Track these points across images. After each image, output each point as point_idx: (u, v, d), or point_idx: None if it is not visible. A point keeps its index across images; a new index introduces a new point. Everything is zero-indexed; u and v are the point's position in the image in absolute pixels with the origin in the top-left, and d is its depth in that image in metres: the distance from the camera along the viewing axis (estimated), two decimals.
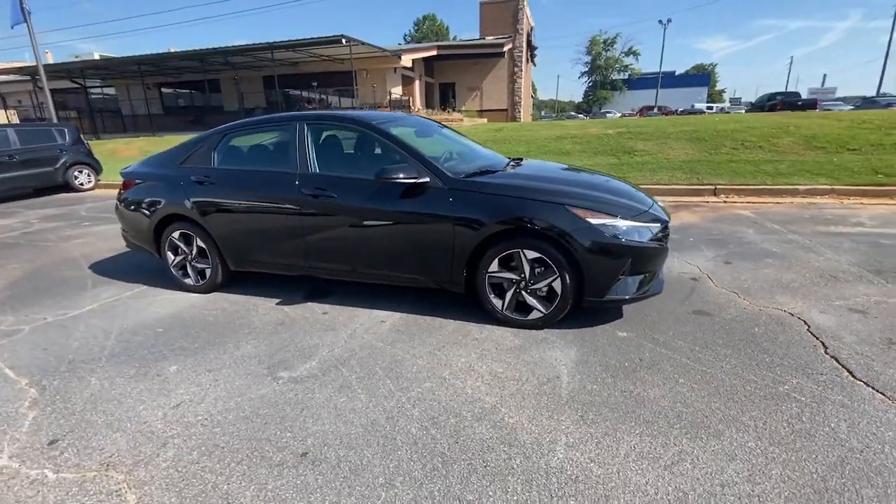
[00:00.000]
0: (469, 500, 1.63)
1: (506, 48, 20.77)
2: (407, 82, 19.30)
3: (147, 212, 3.72)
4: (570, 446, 1.88)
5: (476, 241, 2.81)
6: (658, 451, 1.83)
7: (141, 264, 4.57)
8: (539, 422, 2.04)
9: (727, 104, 50.15)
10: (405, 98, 18.67)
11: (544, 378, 2.37)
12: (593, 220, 2.64)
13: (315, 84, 19.39)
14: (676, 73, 66.61)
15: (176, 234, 3.69)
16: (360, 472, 1.79)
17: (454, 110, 21.76)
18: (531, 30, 21.98)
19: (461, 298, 3.26)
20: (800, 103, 24.16)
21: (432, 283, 3.10)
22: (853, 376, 2.27)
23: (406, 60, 18.22)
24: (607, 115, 43.70)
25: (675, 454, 1.81)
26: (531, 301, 2.83)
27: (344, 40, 15.04)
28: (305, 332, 3.01)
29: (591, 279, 2.67)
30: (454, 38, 47.59)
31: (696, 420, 2.00)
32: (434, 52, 19.41)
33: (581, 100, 65.87)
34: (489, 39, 21.09)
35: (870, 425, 1.92)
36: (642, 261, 2.72)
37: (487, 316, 3.02)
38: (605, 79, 55.80)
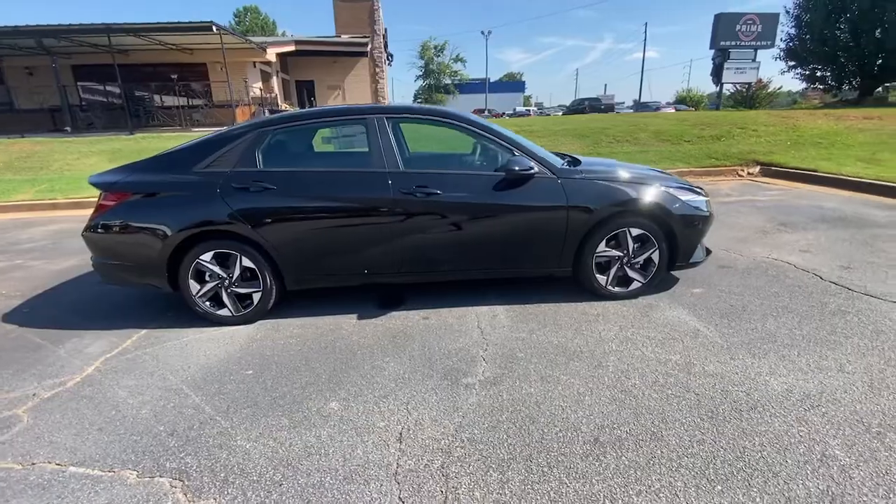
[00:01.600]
0: (719, 423, 1.91)
1: (368, 48, 20.55)
2: (264, 79, 17.48)
3: (160, 232, 2.86)
4: (764, 373, 2.30)
5: (588, 226, 3.04)
6: (797, 361, 2.38)
7: (94, 301, 3.47)
8: (725, 362, 2.42)
9: (534, 108, 58.48)
10: (270, 95, 16.86)
11: (690, 332, 2.76)
12: (684, 197, 3.14)
13: (155, 76, 15.91)
14: (491, 80, 75.13)
15: (207, 257, 2.93)
16: (662, 438, 1.89)
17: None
18: (385, 32, 22.22)
19: (540, 285, 3.43)
20: (602, 107, 29.97)
21: (539, 272, 3.20)
22: (854, 291, 3.25)
23: (270, 55, 16.47)
24: None
25: (806, 362, 2.39)
26: (632, 274, 3.19)
27: (214, 28, 12.79)
28: (433, 338, 2.80)
29: (682, 247, 3.16)
30: (283, 34, 44.61)
31: (800, 336, 2.63)
32: (292, 48, 17.94)
33: (416, 102, 69.03)
34: (347, 38, 20.53)
35: (880, 314, 2.83)
36: (707, 228, 3.33)
37: (580, 295, 3.27)
38: (438, 82, 59.45)
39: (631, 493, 1.63)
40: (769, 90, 33.25)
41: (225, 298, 3.03)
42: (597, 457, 1.81)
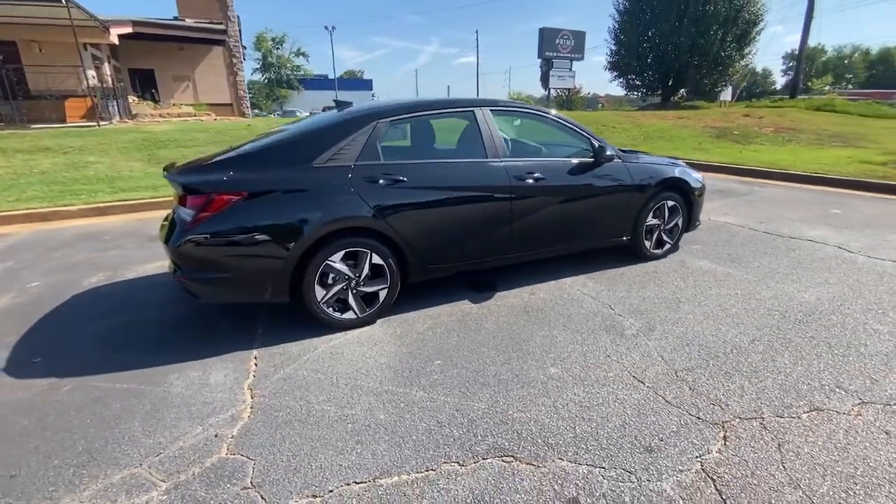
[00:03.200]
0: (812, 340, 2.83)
1: (223, 35, 18.10)
2: (97, 65, 13.99)
3: (289, 235, 2.55)
4: (793, 291, 3.30)
5: (644, 200, 3.73)
6: (803, 282, 3.50)
7: (122, 333, 2.86)
8: (767, 288, 3.35)
9: None
10: (118, 85, 13.47)
11: (724, 274, 3.66)
12: (696, 175, 4.07)
13: None
14: (331, 78, 73.37)
15: (337, 257, 2.72)
16: (781, 331, 2.65)
17: (157, 102, 17.53)
18: (238, 19, 19.92)
19: (587, 257, 4.03)
20: None
21: (609, 242, 3.77)
22: (781, 236, 4.65)
23: (114, 36, 13.11)
24: (297, 113, 44.36)
25: (807, 281, 3.52)
26: (665, 238, 4.01)
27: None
28: (560, 308, 3.13)
29: (695, 214, 4.10)
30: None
31: (786, 267, 3.79)
32: (129, 30, 14.68)
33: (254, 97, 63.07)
34: (193, 22, 17.75)
35: (811, 247, 4.21)
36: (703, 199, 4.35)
37: (624, 260, 3.97)
38: (280, 77, 55.38)
39: (788, 363, 2.32)
40: (581, 95, 40.40)
41: (351, 300, 2.84)
42: (757, 353, 2.47)
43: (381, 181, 2.79)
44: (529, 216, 3.29)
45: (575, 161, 3.45)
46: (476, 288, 3.51)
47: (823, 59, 77.80)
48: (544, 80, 38.97)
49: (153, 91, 18.03)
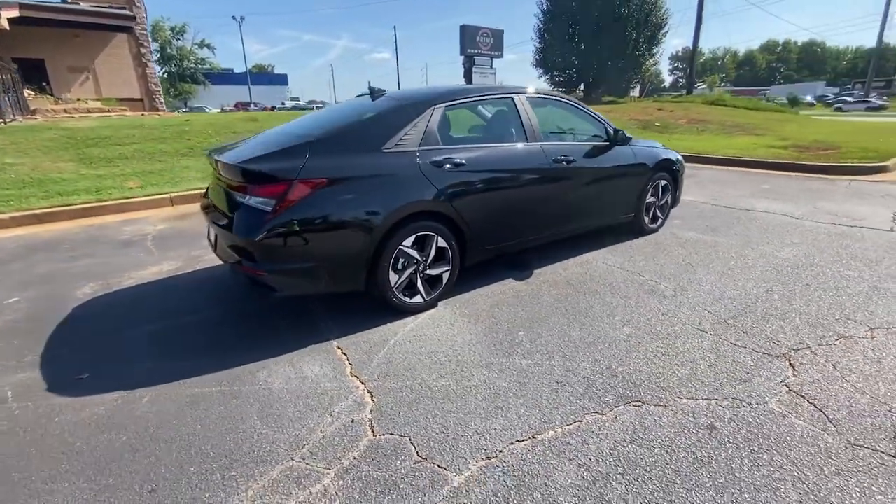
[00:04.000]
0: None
1: (129, 21, 16.06)
2: None
3: (370, 221, 2.53)
4: (777, 250, 3.91)
5: (646, 180, 4.15)
6: (777, 244, 4.16)
7: (161, 336, 2.68)
8: (756, 250, 3.93)
9: (318, 102, 56.70)
10: (9, 77, 11.22)
11: (713, 242, 4.20)
12: (677, 156, 4.58)
13: None
14: (237, 72, 68.37)
15: (409, 242, 2.73)
16: (799, 275, 3.17)
17: (51, 94, 15.25)
18: (144, 5, 17.81)
19: (586, 237, 4.39)
20: None
21: (619, 219, 4.13)
22: (737, 209, 5.39)
23: (3, 20, 10.91)
24: (207, 110, 41.07)
25: (779, 243, 4.20)
26: (658, 213, 4.49)
27: None
28: (598, 278, 3.42)
29: (679, 192, 4.63)
30: None
31: (757, 233, 4.46)
32: (15, 13, 12.45)
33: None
34: (91, 6, 15.52)
35: (764, 217, 4.97)
36: None
37: (626, 235, 4.39)
38: (182, 71, 50.45)
39: (803, 305, 2.83)
40: None
41: (419, 284, 2.88)
42: (775, 300, 2.95)
43: (445, 165, 2.85)
44: (563, 196, 3.54)
45: (595, 144, 3.76)
46: (514, 268, 3.69)
47: (701, 60, 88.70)
48: (467, 77, 39.92)
49: (44, 84, 15.64)
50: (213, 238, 2.88)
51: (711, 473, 1.66)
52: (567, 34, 23.52)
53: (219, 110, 40.33)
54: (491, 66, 39.22)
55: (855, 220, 4.79)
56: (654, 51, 23.38)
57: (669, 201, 4.56)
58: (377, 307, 2.94)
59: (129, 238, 4.90)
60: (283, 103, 49.99)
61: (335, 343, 2.62)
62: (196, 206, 6.29)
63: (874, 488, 1.58)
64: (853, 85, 59.12)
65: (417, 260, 2.83)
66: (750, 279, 3.35)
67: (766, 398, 2.05)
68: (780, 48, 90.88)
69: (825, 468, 1.67)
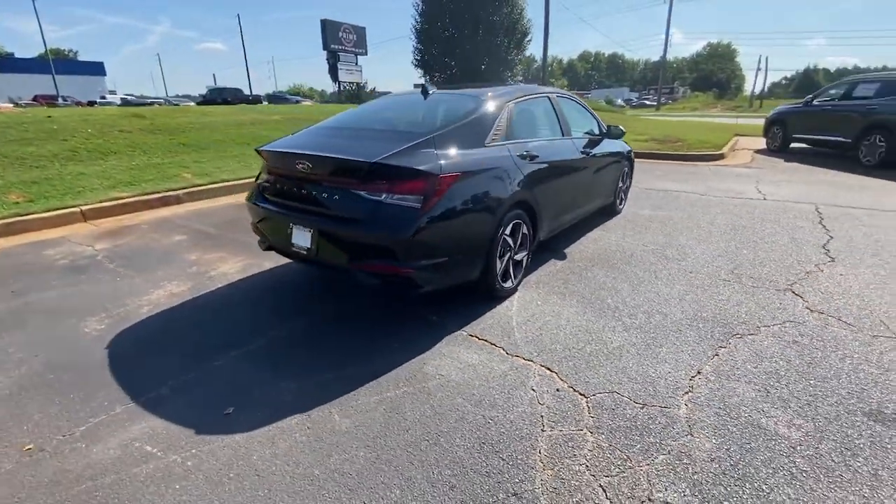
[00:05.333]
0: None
1: None
2: None
3: (490, 213, 2.70)
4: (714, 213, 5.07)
5: (620, 168, 4.92)
6: (714, 215, 5.38)
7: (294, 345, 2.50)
8: (709, 216, 5.03)
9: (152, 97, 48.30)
10: None
11: (673, 216, 5.21)
12: (630, 147, 5.51)
13: None
14: (29, 58, 54.88)
15: (508, 230, 2.93)
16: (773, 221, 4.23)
17: None
18: None
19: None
20: (251, 98, 29.22)
21: (607, 202, 4.83)
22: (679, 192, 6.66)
23: None
24: None
25: (717, 213, 5.43)
26: (624, 196, 5.35)
27: None
28: (627, 249, 4.04)
29: (632, 177, 5.58)
30: None
31: (706, 211, 5.66)
32: None
33: None
34: None
35: (690, 197, 6.31)
36: None
37: (606, 217, 5.15)
38: None
39: (779, 253, 3.87)
40: (368, 90, 41.95)
41: (511, 269, 3.09)
42: (753, 251, 3.94)
43: (527, 158, 3.11)
44: (584, 182, 4.07)
45: (595, 137, 4.36)
46: (547, 251, 4.08)
47: (536, 65, 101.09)
48: (333, 73, 38.81)
49: None
50: (303, 241, 2.66)
51: (821, 370, 2.31)
52: (443, 36, 24.68)
53: (11, 105, 31.88)
54: (356, 64, 38.81)
55: (739, 194, 6.37)
56: (520, 57, 26.12)
57: (629, 185, 5.48)
58: (455, 297, 3.06)
59: (71, 262, 3.95)
60: (103, 97, 41.48)
61: (464, 332, 2.71)
62: (131, 219, 5.29)
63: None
64: (648, 91, 73.64)
65: (511, 246, 3.05)
66: (719, 241, 4.32)
67: (805, 318, 2.84)
68: (593, 58, 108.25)
69: (870, 353, 2.46)
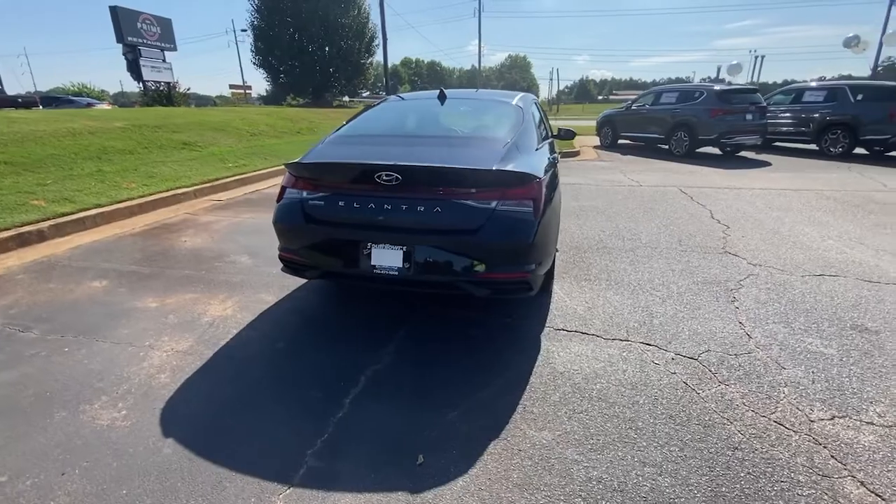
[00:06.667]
0: None
1: None
2: None
3: (558, 214, 2.98)
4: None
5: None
6: (622, 197, 6.48)
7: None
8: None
9: None
10: None
11: (623, 204, 6.08)
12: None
13: None
14: None
15: None
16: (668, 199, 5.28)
17: None
18: None
19: None
20: (19, 100, 22.48)
21: None
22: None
23: None
24: None
25: (623, 197, 6.54)
26: None
27: None
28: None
29: None
30: None
31: (618, 195, 6.70)
32: None
33: None
34: None
35: (644, 190, 7.40)
36: None
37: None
38: None
39: (687, 219, 4.97)
40: (181, 91, 36.40)
41: None
42: (685, 223, 4.97)
43: (554, 162, 3.35)
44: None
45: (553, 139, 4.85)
46: None
47: (377, 72, 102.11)
48: (134, 70, 32.43)
49: None
50: (390, 261, 2.41)
51: (798, 299, 3.15)
52: (286, 35, 22.81)
53: None
54: (164, 60, 33.39)
55: (620, 182, 7.73)
56: (370, 60, 25.88)
57: None
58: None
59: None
60: None
61: (549, 328, 2.83)
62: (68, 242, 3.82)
63: (838, 300, 3.43)
64: None
65: None
66: (649, 222, 5.26)
67: (756, 271, 3.77)
68: (414, 64, 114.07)
69: (809, 285, 3.44)
